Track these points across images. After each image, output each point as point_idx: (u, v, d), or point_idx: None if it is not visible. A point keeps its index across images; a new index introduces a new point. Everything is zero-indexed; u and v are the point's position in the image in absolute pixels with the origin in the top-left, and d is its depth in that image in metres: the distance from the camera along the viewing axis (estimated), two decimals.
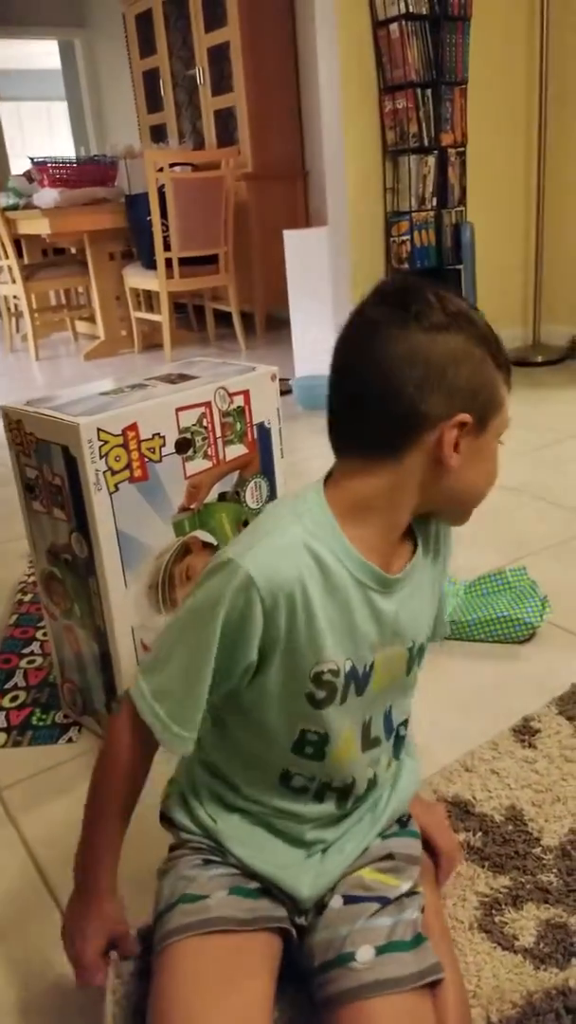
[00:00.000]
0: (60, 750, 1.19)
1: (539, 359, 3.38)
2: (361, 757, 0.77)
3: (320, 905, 0.76)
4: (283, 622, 0.66)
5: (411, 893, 0.77)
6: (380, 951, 0.70)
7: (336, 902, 0.76)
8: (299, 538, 0.67)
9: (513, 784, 1.05)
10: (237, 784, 0.77)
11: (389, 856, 0.79)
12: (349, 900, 0.75)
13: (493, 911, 0.87)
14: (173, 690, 0.68)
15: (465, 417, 0.66)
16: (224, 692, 0.70)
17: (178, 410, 1.10)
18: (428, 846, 0.87)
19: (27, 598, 1.62)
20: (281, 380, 1.28)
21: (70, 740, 1.21)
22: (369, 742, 0.77)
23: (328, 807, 0.77)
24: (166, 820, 0.81)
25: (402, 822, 0.84)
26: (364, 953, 0.70)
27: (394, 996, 0.67)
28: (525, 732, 1.15)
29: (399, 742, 0.83)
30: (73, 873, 0.74)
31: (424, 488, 0.68)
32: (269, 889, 0.76)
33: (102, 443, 1.01)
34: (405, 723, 0.84)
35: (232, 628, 0.66)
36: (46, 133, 8.99)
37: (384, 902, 0.75)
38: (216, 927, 0.71)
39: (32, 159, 4.17)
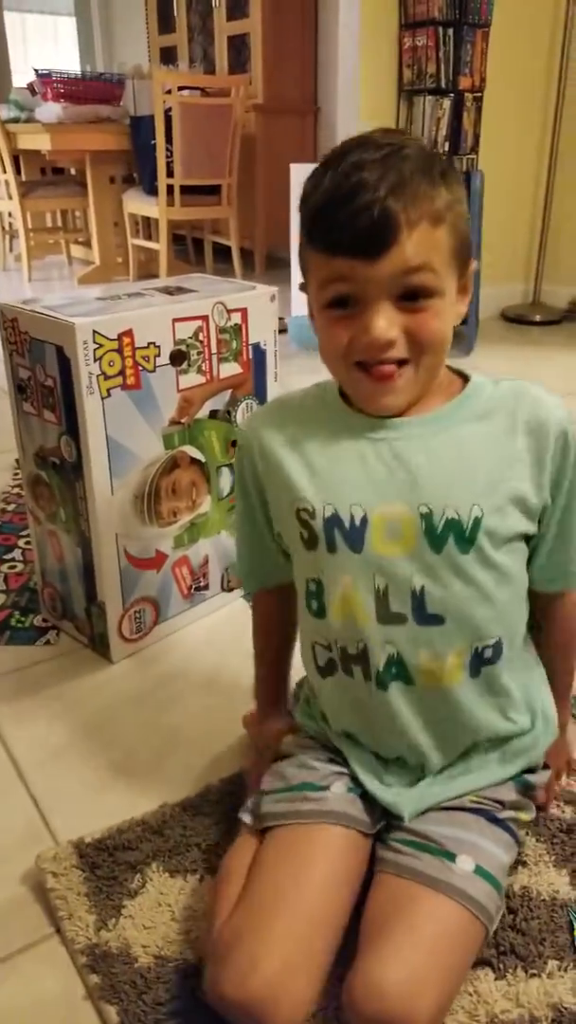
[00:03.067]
0: (38, 651, 1.21)
1: (537, 318, 3.37)
2: (376, 626, 0.73)
3: None
4: (260, 464, 0.78)
5: (517, 841, 0.78)
6: (478, 871, 0.71)
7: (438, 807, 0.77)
8: (289, 396, 0.81)
9: None
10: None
11: (499, 802, 0.78)
12: (451, 809, 0.76)
13: None
14: (240, 541, 0.89)
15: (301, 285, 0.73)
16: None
17: (175, 321, 1.09)
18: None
19: (10, 508, 1.63)
20: (278, 319, 1.26)
21: (48, 643, 1.23)
22: (389, 615, 0.72)
23: (367, 688, 0.75)
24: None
25: (524, 773, 0.82)
26: (465, 863, 0.71)
27: (469, 914, 0.68)
28: None
29: (478, 661, 0.74)
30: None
31: None
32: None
33: (97, 346, 1.01)
34: (487, 645, 0.74)
35: (245, 477, 0.81)
36: (51, 49, 8.65)
37: (489, 816, 0.76)
38: (331, 820, 0.74)
39: (37, 71, 4.02)
